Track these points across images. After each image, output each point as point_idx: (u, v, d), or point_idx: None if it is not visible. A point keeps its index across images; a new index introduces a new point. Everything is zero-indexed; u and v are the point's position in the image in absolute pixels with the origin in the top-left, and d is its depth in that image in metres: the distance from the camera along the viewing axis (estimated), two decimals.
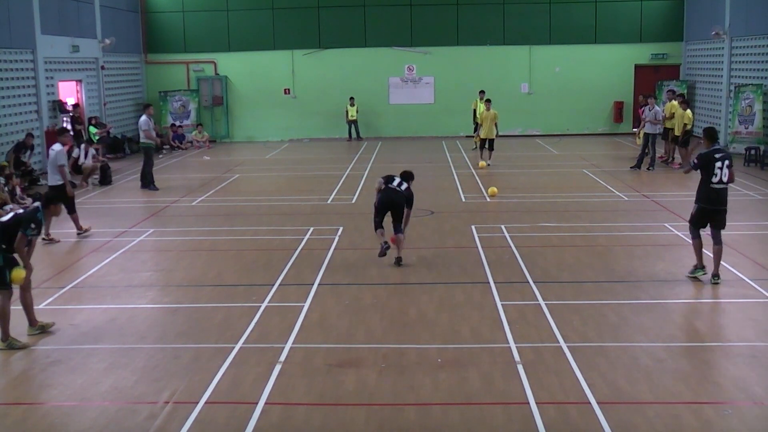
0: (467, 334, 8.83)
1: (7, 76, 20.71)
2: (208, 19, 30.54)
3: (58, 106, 22.89)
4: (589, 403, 7.05)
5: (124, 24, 28.97)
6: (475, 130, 24.81)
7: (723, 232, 10.67)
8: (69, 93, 24.97)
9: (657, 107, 21.44)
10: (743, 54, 25.33)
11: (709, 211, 10.58)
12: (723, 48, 26.46)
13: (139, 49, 30.51)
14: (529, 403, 7.08)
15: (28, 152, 20.05)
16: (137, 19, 30.30)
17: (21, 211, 9.31)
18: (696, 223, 10.78)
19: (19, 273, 8.70)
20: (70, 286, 10.99)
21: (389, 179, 11.96)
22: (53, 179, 13.96)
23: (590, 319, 9.25)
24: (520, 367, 7.85)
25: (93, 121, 23.96)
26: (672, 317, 9.37)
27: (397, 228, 11.74)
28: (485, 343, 8.55)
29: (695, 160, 10.72)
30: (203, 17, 30.56)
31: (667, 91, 23.90)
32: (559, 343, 8.49)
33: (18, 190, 16.89)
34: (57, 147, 14.10)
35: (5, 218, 9.01)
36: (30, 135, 20.22)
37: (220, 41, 30.59)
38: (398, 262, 11.75)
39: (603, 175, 19.96)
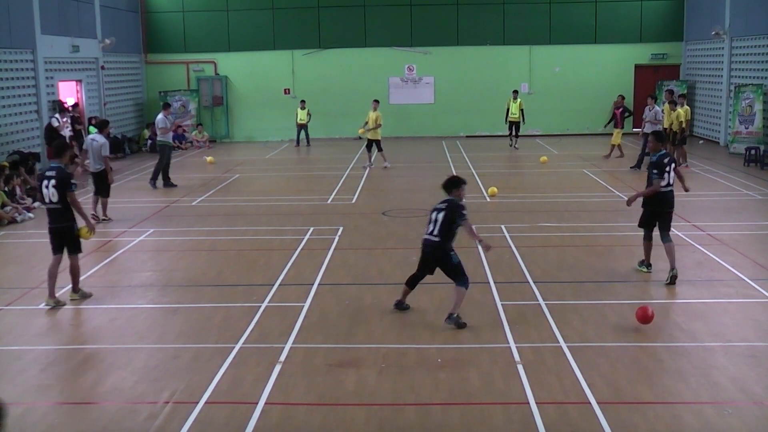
0: (467, 334, 8.82)
1: (7, 76, 20.70)
2: (208, 19, 30.54)
3: (58, 106, 22.88)
4: (589, 403, 7.05)
5: (124, 24, 28.96)
6: (509, 129, 27.10)
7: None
8: (69, 93, 24.96)
9: (657, 107, 21.44)
10: (743, 54, 25.33)
11: (656, 213, 10.80)
12: (723, 48, 26.47)
13: (139, 49, 30.50)
14: (529, 403, 7.07)
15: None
16: (137, 19, 30.29)
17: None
18: (645, 225, 11.02)
19: (84, 230, 10.26)
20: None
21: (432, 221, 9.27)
22: (95, 167, 15.29)
23: (590, 319, 9.24)
24: (520, 367, 7.84)
25: (93, 121, 23.95)
26: (672, 317, 9.37)
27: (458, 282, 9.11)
28: (485, 343, 8.54)
29: (654, 171, 10.58)
30: (203, 17, 30.56)
31: (666, 91, 23.90)
32: (559, 343, 8.48)
33: (18, 190, 16.88)
34: (100, 138, 15.36)
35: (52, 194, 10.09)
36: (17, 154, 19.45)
37: (220, 41, 30.59)
38: (460, 325, 8.94)
39: (603, 175, 19.95)
